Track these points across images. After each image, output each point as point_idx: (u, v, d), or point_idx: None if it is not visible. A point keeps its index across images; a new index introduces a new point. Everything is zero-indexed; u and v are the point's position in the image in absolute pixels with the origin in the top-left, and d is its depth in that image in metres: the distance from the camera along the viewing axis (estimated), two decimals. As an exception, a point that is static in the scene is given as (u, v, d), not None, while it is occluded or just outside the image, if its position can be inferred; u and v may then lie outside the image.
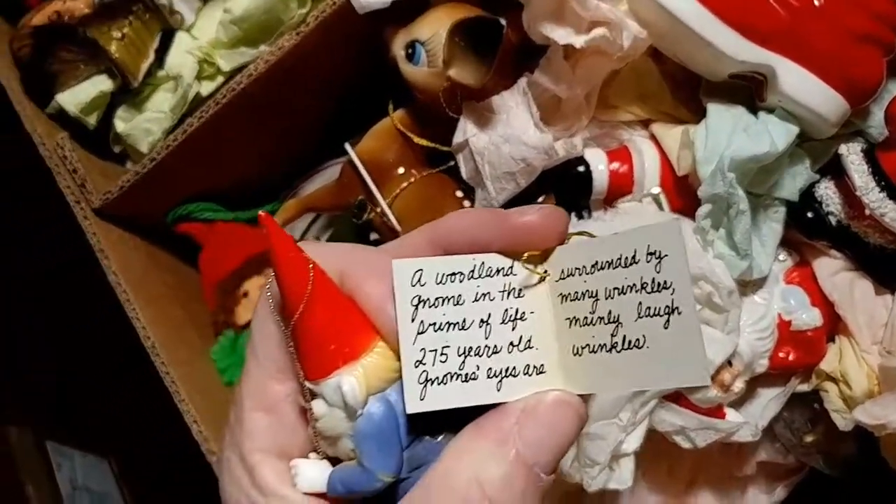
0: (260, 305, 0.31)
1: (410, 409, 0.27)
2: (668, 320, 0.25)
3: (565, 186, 0.54)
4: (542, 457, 0.27)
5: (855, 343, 0.53)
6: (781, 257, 0.55)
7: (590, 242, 0.29)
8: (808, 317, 0.53)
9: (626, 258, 0.27)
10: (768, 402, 0.56)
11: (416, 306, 0.28)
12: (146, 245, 0.62)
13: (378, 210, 0.57)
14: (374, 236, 0.61)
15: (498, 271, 0.29)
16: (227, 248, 0.61)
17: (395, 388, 0.28)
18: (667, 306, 0.25)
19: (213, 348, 0.60)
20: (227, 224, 0.63)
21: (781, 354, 0.54)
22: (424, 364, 0.27)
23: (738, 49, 0.47)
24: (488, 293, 0.29)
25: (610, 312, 0.27)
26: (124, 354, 0.80)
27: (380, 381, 0.28)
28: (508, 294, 0.29)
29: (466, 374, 0.27)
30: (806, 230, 0.53)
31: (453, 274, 0.28)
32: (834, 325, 0.55)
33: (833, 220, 0.52)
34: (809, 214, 0.53)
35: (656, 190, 0.54)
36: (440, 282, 0.28)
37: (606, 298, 0.27)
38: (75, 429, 0.99)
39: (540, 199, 0.55)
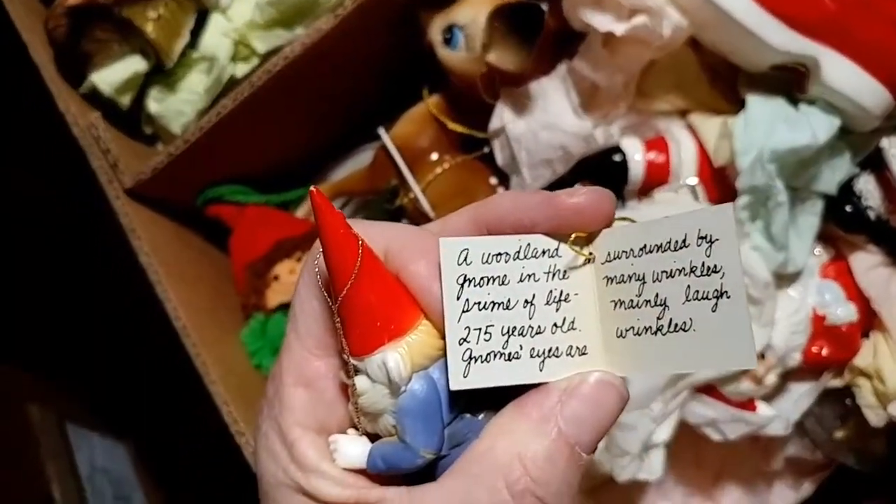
0: (302, 282, 0.31)
1: (454, 386, 0.27)
2: (716, 304, 0.25)
3: (601, 175, 0.54)
4: (583, 436, 0.27)
5: (890, 339, 0.53)
6: (817, 251, 0.55)
7: (638, 226, 0.28)
8: (844, 312, 0.53)
9: (676, 242, 0.27)
10: (800, 396, 0.56)
11: (462, 285, 0.28)
12: (176, 227, 0.62)
13: (411, 196, 0.57)
14: (404, 223, 0.61)
15: (543, 252, 0.29)
16: (257, 231, 0.61)
17: (437, 366, 0.28)
18: (716, 290, 0.25)
19: (242, 331, 0.60)
20: (258, 207, 0.62)
21: (815, 349, 0.54)
22: (468, 342, 0.27)
23: (783, 39, 0.47)
24: (533, 274, 0.29)
25: (657, 295, 0.27)
26: (148, 338, 0.81)
27: (423, 359, 0.28)
28: (553, 275, 0.29)
29: (510, 354, 0.28)
30: (844, 224, 0.53)
31: (499, 254, 0.28)
32: (869, 321, 0.54)
33: (872, 214, 0.52)
34: (848, 208, 0.52)
35: (693, 181, 0.54)
36: (486, 261, 0.28)
37: (654, 281, 0.27)
38: (95, 411, 1.00)
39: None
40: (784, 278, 0.53)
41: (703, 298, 0.26)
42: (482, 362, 0.27)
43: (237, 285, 0.62)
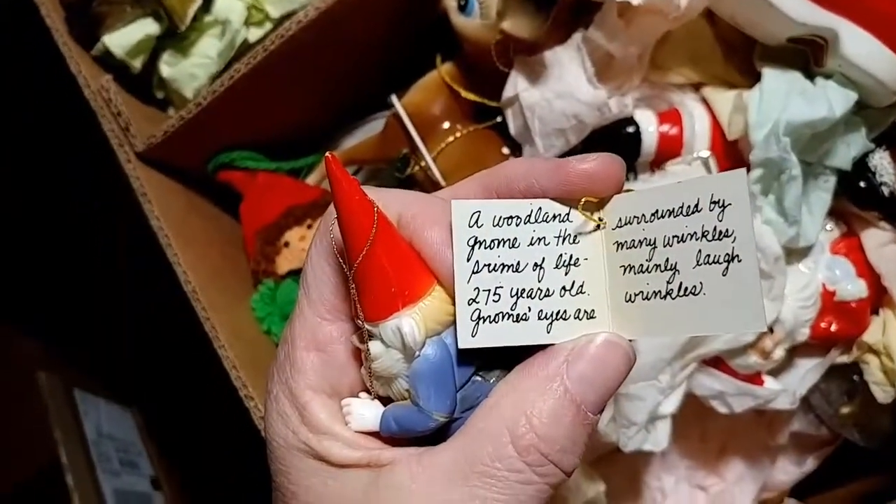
0: (314, 248, 0.31)
1: (462, 345, 0.27)
2: (727, 268, 0.26)
3: (614, 147, 0.53)
4: (589, 395, 0.27)
5: (900, 316, 0.53)
6: (828, 227, 0.55)
7: (650, 191, 0.28)
8: (854, 288, 0.53)
9: (689, 206, 0.27)
10: (807, 371, 0.56)
11: (473, 247, 0.28)
12: (186, 191, 0.62)
13: (422, 164, 0.57)
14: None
15: (554, 217, 0.29)
16: (268, 197, 0.61)
17: (450, 332, 0.29)
18: (727, 254, 0.26)
19: (252, 297, 0.60)
20: (269, 174, 0.62)
21: (823, 324, 0.54)
22: (477, 302, 0.28)
23: (803, 11, 0.46)
24: (543, 238, 0.29)
25: (667, 260, 0.27)
26: (156, 305, 0.81)
27: (436, 325, 0.28)
28: (563, 240, 0.29)
29: (518, 315, 0.28)
30: (857, 200, 0.53)
31: (510, 217, 0.29)
32: (879, 298, 0.54)
33: (886, 190, 0.51)
34: (862, 184, 0.52)
35: (706, 154, 0.53)
36: (497, 224, 0.29)
37: (665, 246, 0.27)
38: (102, 378, 1.01)
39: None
40: (795, 253, 0.53)
41: (713, 262, 0.26)
42: (490, 322, 0.28)
43: (247, 251, 0.62)
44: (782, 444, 0.61)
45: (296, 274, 0.60)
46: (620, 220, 0.29)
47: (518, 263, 0.28)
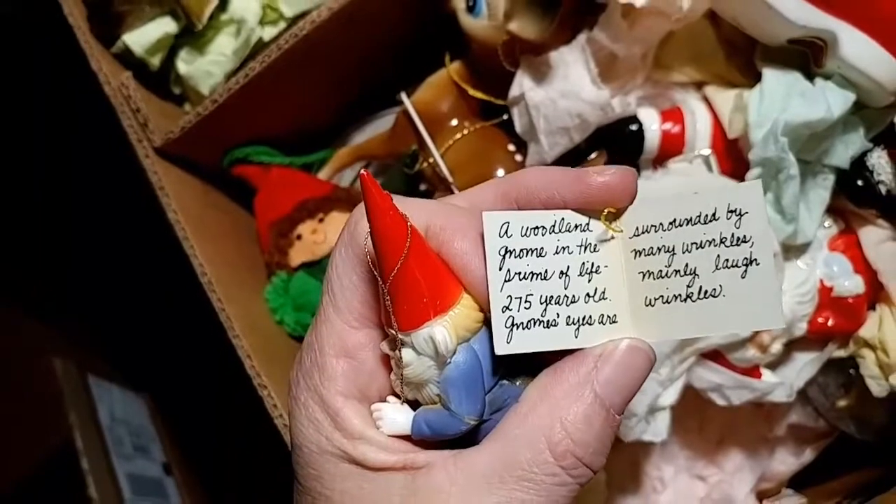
0: (339, 257, 0.32)
1: (499, 351, 0.29)
2: (745, 271, 0.28)
3: (617, 144, 0.55)
4: (616, 398, 0.29)
5: (896, 312, 0.54)
6: (826, 224, 0.56)
7: (667, 201, 0.30)
8: (851, 284, 0.54)
9: (706, 216, 0.29)
10: (804, 365, 0.57)
11: (504, 256, 0.29)
12: (203, 185, 0.64)
13: (430, 160, 0.58)
14: (423, 187, 0.62)
15: (576, 227, 0.31)
16: (281, 191, 0.62)
17: (478, 338, 0.30)
18: (745, 258, 0.28)
19: (266, 288, 0.62)
20: (283, 168, 0.64)
21: (820, 319, 0.55)
22: (511, 310, 0.29)
23: (802, 13, 0.47)
24: (567, 247, 0.30)
25: (686, 265, 0.29)
26: (169, 296, 0.83)
27: (465, 332, 0.30)
28: (585, 248, 0.31)
29: (548, 321, 0.30)
30: (855, 198, 0.54)
31: (536, 227, 0.30)
32: (875, 294, 0.55)
33: (883, 189, 0.52)
34: (860, 182, 0.53)
35: (706, 152, 0.54)
36: (524, 234, 0.30)
37: (683, 253, 0.29)
38: (115, 365, 1.03)
39: (592, 157, 0.56)
40: (793, 249, 0.54)
41: (732, 266, 0.28)
42: (523, 329, 0.29)
43: (261, 244, 0.64)
44: (780, 435, 0.62)
45: (308, 266, 0.61)
46: (637, 228, 0.30)
47: (546, 272, 0.30)
